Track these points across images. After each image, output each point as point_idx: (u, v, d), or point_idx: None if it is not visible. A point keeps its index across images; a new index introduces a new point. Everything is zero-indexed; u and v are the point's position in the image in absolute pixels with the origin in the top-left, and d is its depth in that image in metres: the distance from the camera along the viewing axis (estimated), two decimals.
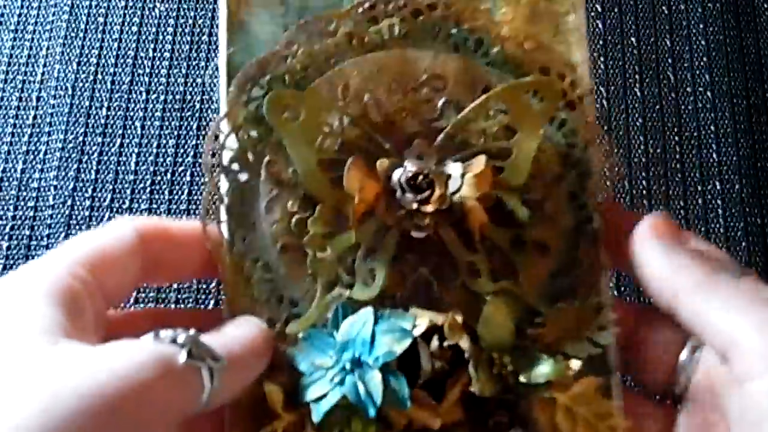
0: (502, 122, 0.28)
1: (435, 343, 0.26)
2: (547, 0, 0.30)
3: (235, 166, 0.28)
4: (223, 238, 0.28)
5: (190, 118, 0.45)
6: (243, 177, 0.28)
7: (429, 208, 0.27)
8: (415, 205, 0.27)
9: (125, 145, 0.44)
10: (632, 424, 0.28)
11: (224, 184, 0.28)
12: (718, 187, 0.44)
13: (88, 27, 0.47)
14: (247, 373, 0.26)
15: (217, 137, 0.29)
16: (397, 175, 0.27)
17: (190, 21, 0.47)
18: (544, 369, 0.26)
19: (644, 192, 0.44)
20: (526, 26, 0.29)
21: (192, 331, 0.24)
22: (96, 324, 0.24)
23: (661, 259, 0.27)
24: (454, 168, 0.27)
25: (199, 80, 0.46)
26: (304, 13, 0.29)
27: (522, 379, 0.26)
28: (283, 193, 0.28)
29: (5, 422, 0.19)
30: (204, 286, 0.41)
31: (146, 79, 0.46)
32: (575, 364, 0.27)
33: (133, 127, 0.45)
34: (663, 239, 0.27)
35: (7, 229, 0.43)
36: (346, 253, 0.28)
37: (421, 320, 0.26)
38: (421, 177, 0.27)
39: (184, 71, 0.46)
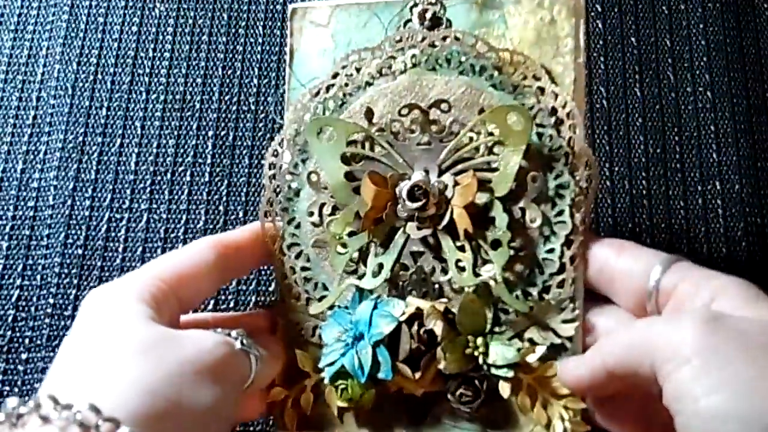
0: (493, 140, 0.33)
1: (415, 327, 0.32)
2: (550, 24, 0.34)
3: (288, 177, 0.36)
4: (278, 233, 0.35)
5: (190, 118, 0.45)
6: (294, 185, 0.36)
7: (426, 214, 0.33)
8: (414, 212, 0.33)
9: (125, 145, 0.44)
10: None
11: (278, 191, 0.36)
12: (718, 187, 0.44)
13: (88, 27, 0.47)
14: (275, 366, 0.34)
15: (276, 153, 0.36)
16: (401, 186, 0.33)
17: (190, 21, 0.47)
18: (509, 353, 0.32)
19: (644, 192, 0.44)
20: (530, 49, 0.34)
21: (240, 330, 0.32)
22: (171, 321, 0.31)
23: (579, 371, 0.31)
24: (449, 180, 0.33)
25: (198, 80, 0.46)
26: (349, 47, 0.36)
27: (489, 360, 0.32)
28: (321, 198, 0.35)
29: (125, 379, 0.26)
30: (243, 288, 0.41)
31: (146, 79, 0.46)
32: (539, 350, 0.32)
33: (133, 127, 0.45)
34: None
35: (7, 229, 0.43)
36: (361, 249, 0.34)
37: (410, 307, 0.33)
38: (417, 190, 0.33)
39: (184, 71, 0.46)
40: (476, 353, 0.33)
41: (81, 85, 0.46)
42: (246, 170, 0.44)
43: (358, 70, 0.36)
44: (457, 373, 0.32)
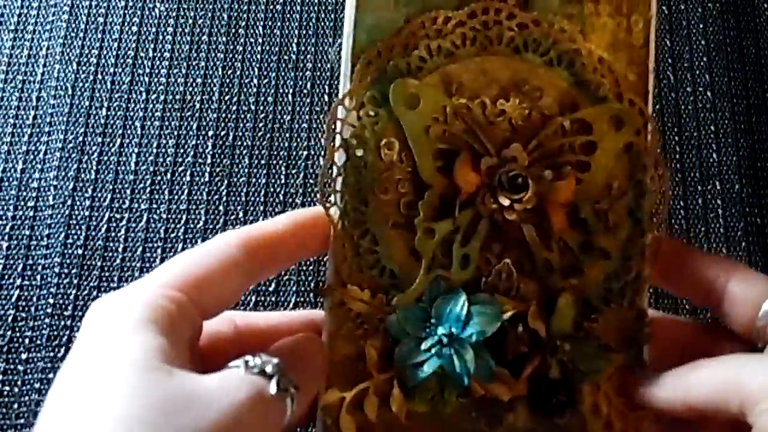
0: (585, 138, 0.31)
1: (520, 328, 0.30)
2: (626, 32, 0.33)
3: (353, 142, 0.31)
4: (337, 209, 0.31)
5: (190, 118, 0.45)
6: (359, 153, 0.31)
7: (520, 205, 0.30)
8: (507, 202, 0.30)
9: (125, 145, 0.44)
10: None
11: (341, 158, 0.31)
12: (718, 187, 0.44)
13: (88, 27, 0.47)
14: (312, 395, 0.29)
15: (342, 111, 0.31)
16: (498, 172, 0.30)
17: (190, 21, 0.47)
18: (600, 362, 0.31)
19: None
20: (606, 51, 0.32)
21: (276, 360, 0.26)
22: (191, 343, 0.27)
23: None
24: (539, 171, 0.31)
25: (198, 80, 0.46)
26: (424, 3, 0.31)
27: (581, 367, 0.31)
28: (395, 174, 0.31)
29: None
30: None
31: (146, 79, 0.46)
32: (620, 359, 0.31)
33: (133, 127, 0.45)
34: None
35: (7, 229, 0.43)
36: (445, 237, 0.31)
37: (507, 307, 0.30)
38: (520, 178, 0.30)
39: (184, 71, 0.46)
40: (564, 358, 0.31)
41: (81, 85, 0.46)
42: (246, 170, 0.44)
43: (438, 32, 0.31)
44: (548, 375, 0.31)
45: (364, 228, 0.31)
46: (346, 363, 0.30)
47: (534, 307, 0.31)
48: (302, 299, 0.41)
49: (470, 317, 0.30)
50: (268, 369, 0.26)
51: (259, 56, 0.46)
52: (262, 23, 0.47)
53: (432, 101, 0.31)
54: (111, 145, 0.44)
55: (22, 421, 0.39)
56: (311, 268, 0.42)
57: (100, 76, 0.46)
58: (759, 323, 0.30)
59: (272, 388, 0.25)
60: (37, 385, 0.39)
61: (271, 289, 0.42)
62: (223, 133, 0.45)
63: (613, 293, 0.31)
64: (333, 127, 0.31)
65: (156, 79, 0.46)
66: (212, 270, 0.28)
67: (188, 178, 0.44)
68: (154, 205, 0.43)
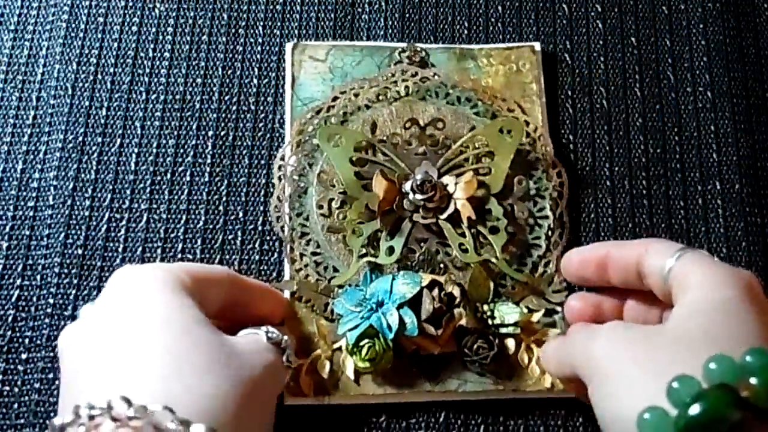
0: (484, 150, 0.42)
1: (435, 291, 0.38)
2: (516, 73, 0.45)
3: (296, 177, 0.42)
4: (287, 227, 0.41)
5: (190, 118, 0.45)
6: (302, 184, 0.42)
7: (431, 205, 0.40)
8: (422, 203, 0.40)
9: (125, 145, 0.44)
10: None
11: (288, 190, 0.42)
12: (718, 187, 0.44)
13: (88, 27, 0.47)
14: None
15: (283, 158, 0.43)
16: (410, 182, 0.41)
17: (190, 21, 0.47)
18: (514, 314, 0.39)
19: (644, 192, 0.44)
20: (503, 89, 0.44)
21: (286, 338, 0.35)
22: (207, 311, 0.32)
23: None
24: (450, 180, 0.41)
25: (198, 80, 0.46)
26: (346, 78, 0.44)
27: (497, 321, 0.39)
28: (329, 193, 0.42)
29: (198, 388, 0.27)
30: None
31: (146, 79, 0.46)
32: (537, 315, 0.40)
33: (133, 127, 0.45)
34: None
35: (7, 229, 0.43)
36: (372, 235, 0.41)
37: (426, 277, 0.38)
38: (427, 183, 0.40)
39: (184, 71, 0.46)
40: (485, 316, 0.39)
41: (81, 85, 0.46)
42: (246, 170, 0.44)
43: (356, 95, 0.43)
44: (472, 331, 0.38)
45: (308, 238, 0.41)
46: (302, 338, 0.39)
47: (448, 275, 0.39)
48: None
49: (395, 287, 0.38)
50: (283, 343, 0.33)
51: (258, 56, 0.46)
52: (262, 23, 0.47)
53: (351, 139, 0.42)
54: (111, 145, 0.44)
55: (22, 421, 0.39)
56: (253, 257, 0.42)
57: (100, 76, 0.46)
58: (666, 286, 0.33)
59: (285, 358, 0.33)
60: (37, 385, 0.39)
61: None
62: (223, 133, 0.45)
63: (527, 266, 0.41)
64: (279, 167, 0.42)
65: (156, 79, 0.46)
66: (210, 277, 0.34)
67: (188, 178, 0.44)
68: (154, 205, 0.43)
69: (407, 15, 0.48)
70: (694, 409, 0.25)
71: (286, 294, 0.40)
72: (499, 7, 0.48)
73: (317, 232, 0.41)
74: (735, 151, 0.45)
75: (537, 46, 0.45)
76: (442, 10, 0.48)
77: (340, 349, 0.39)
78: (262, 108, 0.45)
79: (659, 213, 0.43)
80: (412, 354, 0.38)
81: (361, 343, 0.37)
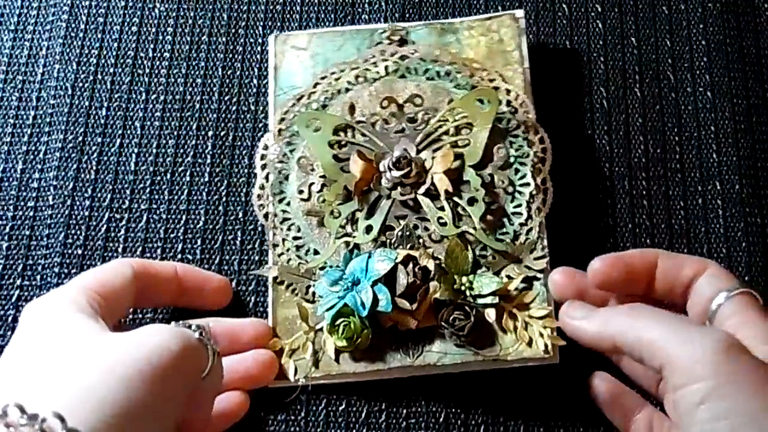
0: (463, 122, 0.42)
1: (410, 266, 0.38)
2: (498, 42, 0.44)
3: (278, 164, 0.42)
4: (269, 213, 0.42)
5: (189, 118, 0.45)
6: (283, 171, 0.42)
7: (408, 181, 0.40)
8: (398, 179, 0.40)
9: (125, 145, 0.44)
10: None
11: (270, 176, 0.42)
12: (718, 187, 0.44)
13: (88, 27, 0.47)
14: (220, 378, 0.34)
15: (266, 146, 0.43)
16: (387, 159, 0.41)
17: (190, 21, 0.47)
18: (492, 283, 0.39)
19: (644, 192, 0.44)
20: (483, 61, 0.44)
21: (202, 323, 0.34)
22: (115, 326, 0.33)
23: (583, 327, 0.36)
24: (427, 155, 0.41)
25: (198, 80, 0.46)
26: (327, 64, 0.44)
27: (475, 292, 0.39)
28: (309, 178, 0.42)
29: (82, 389, 0.27)
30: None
31: (146, 79, 0.46)
32: (515, 283, 0.40)
33: (133, 127, 0.45)
34: (569, 314, 0.37)
35: (7, 229, 0.43)
36: (350, 215, 0.41)
37: (402, 253, 0.39)
38: (403, 160, 0.40)
39: (184, 71, 0.46)
40: (463, 288, 0.39)
41: (81, 85, 0.46)
42: (246, 170, 0.44)
43: (337, 79, 0.43)
44: (449, 302, 0.38)
45: (289, 223, 0.41)
46: (286, 322, 0.40)
47: (423, 249, 0.40)
48: (244, 288, 0.41)
49: (370, 265, 0.38)
50: (193, 325, 0.33)
51: (258, 56, 0.46)
52: (262, 23, 0.47)
53: (330, 122, 0.42)
54: (111, 145, 0.44)
55: None
56: (253, 257, 0.42)
57: (100, 76, 0.46)
58: (708, 315, 0.33)
59: (195, 335, 0.32)
60: None
61: (215, 269, 0.42)
62: (223, 133, 0.45)
63: (508, 235, 0.41)
64: (262, 155, 0.42)
65: (156, 79, 0.46)
66: (112, 281, 0.35)
67: (188, 178, 0.44)
68: (154, 205, 0.43)
69: (406, 3, 0.48)
70: None
71: (269, 280, 0.40)
72: (499, 7, 0.48)
73: (298, 216, 0.41)
74: (735, 151, 0.45)
75: (518, 13, 0.45)
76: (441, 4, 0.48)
77: (321, 330, 0.39)
78: (262, 108, 0.45)
79: (659, 213, 0.43)
80: (391, 330, 0.38)
81: (338, 323, 0.38)
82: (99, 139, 0.44)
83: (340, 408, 0.40)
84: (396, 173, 0.40)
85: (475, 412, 0.40)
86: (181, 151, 0.44)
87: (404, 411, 0.40)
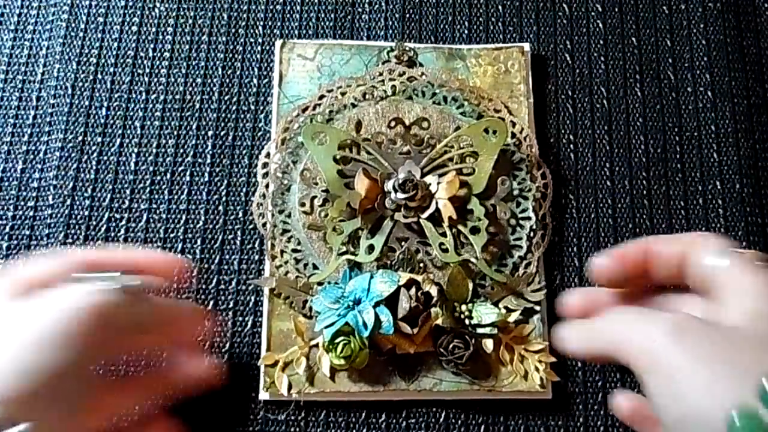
0: (469, 150, 0.42)
1: (413, 290, 0.38)
2: (505, 74, 0.45)
3: (280, 174, 0.43)
4: (269, 224, 0.42)
5: (189, 118, 0.45)
6: (285, 182, 0.43)
7: (413, 204, 0.41)
8: (403, 201, 0.40)
9: (125, 145, 0.44)
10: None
11: (271, 187, 0.42)
12: (719, 187, 0.44)
13: (88, 27, 0.47)
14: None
15: (268, 155, 0.43)
16: (393, 180, 0.41)
17: (190, 21, 0.47)
18: (491, 314, 0.39)
19: (644, 192, 0.44)
20: (490, 89, 0.44)
21: (138, 282, 0.33)
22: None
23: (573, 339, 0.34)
24: (432, 179, 0.41)
25: (198, 80, 0.46)
26: (333, 76, 0.44)
27: (474, 321, 0.39)
28: (312, 191, 0.42)
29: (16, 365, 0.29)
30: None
31: (146, 79, 0.46)
32: (513, 316, 0.40)
33: (133, 127, 0.45)
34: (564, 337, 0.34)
35: (7, 229, 0.43)
36: (353, 233, 0.41)
37: (404, 276, 0.39)
38: (409, 182, 0.40)
39: (184, 71, 0.46)
40: (462, 316, 0.39)
41: (81, 85, 0.46)
42: (246, 170, 0.44)
43: (343, 94, 0.44)
44: (449, 330, 0.38)
45: (289, 235, 0.42)
46: (280, 335, 0.40)
47: (426, 274, 0.40)
48: (243, 287, 0.41)
49: (372, 286, 0.38)
50: (112, 276, 0.33)
51: (258, 56, 0.46)
52: (262, 23, 0.47)
53: (336, 137, 0.41)
54: (111, 145, 0.44)
55: None
56: (253, 257, 0.42)
57: (100, 76, 0.46)
58: (709, 282, 0.32)
59: (113, 285, 0.32)
60: None
61: (215, 269, 0.42)
62: (223, 133, 0.45)
63: (507, 267, 0.41)
64: (264, 164, 0.43)
65: (156, 79, 0.46)
66: (46, 269, 0.34)
67: (188, 178, 0.44)
68: (154, 205, 0.43)
69: (407, 15, 0.48)
70: None
71: (266, 291, 0.40)
72: (500, 7, 0.48)
73: (299, 229, 0.41)
74: (735, 151, 0.45)
75: (526, 46, 0.45)
76: (442, 9, 0.48)
77: (317, 346, 0.39)
78: (262, 108, 0.45)
79: (659, 213, 0.43)
80: (389, 352, 0.38)
81: (337, 341, 0.38)
82: (99, 139, 0.44)
83: (341, 408, 0.40)
84: (401, 195, 0.40)
85: (475, 412, 0.39)
86: (181, 151, 0.44)
87: (404, 411, 0.39)
